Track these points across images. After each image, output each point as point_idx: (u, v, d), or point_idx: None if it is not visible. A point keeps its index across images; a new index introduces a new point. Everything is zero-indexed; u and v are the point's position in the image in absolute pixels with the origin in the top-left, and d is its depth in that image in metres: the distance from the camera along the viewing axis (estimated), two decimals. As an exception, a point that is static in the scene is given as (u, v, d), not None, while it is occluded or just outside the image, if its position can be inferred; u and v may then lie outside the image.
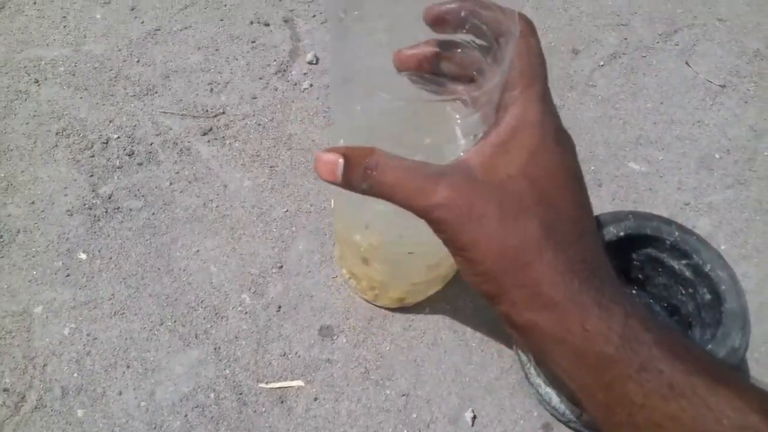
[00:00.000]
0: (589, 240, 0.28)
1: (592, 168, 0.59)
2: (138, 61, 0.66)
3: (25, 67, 0.65)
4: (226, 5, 0.71)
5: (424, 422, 0.46)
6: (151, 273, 0.52)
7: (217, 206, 0.56)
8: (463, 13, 0.31)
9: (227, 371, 0.48)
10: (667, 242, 0.45)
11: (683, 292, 0.46)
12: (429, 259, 0.45)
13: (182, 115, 0.62)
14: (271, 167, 0.58)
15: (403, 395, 0.47)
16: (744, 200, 0.57)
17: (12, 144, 0.59)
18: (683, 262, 0.45)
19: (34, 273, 0.52)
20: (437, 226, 0.28)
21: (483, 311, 0.51)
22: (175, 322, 0.50)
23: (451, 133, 0.35)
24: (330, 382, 0.47)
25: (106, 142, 0.59)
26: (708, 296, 0.44)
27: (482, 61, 0.32)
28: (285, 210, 0.56)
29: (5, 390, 0.46)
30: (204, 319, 0.50)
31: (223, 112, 0.62)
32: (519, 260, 0.26)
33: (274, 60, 0.66)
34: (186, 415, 0.46)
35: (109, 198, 0.56)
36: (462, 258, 0.28)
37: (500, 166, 0.28)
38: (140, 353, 0.48)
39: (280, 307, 0.51)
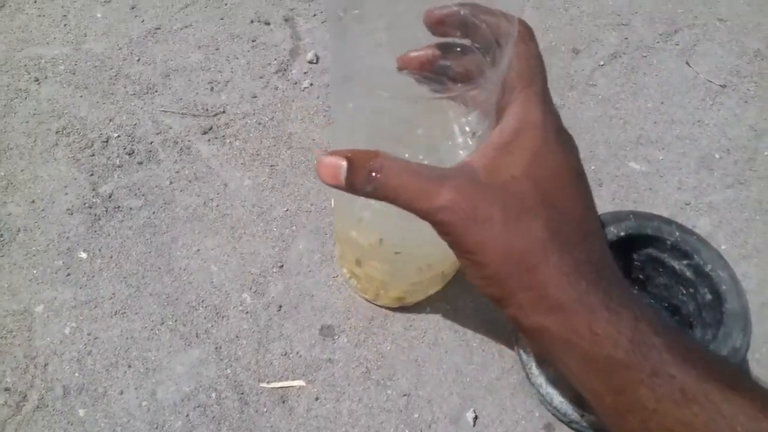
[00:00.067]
0: (595, 240, 0.28)
1: (593, 167, 0.59)
2: (138, 60, 0.65)
3: (25, 65, 0.65)
4: (226, 4, 0.71)
5: (425, 422, 0.46)
6: (152, 272, 0.52)
7: (218, 205, 0.56)
8: (462, 12, 0.32)
9: (228, 371, 0.48)
10: (668, 242, 0.45)
11: (684, 292, 0.46)
12: (419, 260, 0.45)
13: (182, 113, 0.62)
14: (271, 166, 0.58)
15: (405, 395, 0.47)
16: (744, 200, 0.57)
17: (12, 143, 0.59)
18: (684, 262, 0.45)
19: (35, 272, 0.52)
20: (441, 228, 0.28)
21: (484, 311, 0.51)
22: (175, 321, 0.50)
23: (450, 131, 0.35)
24: (331, 381, 0.47)
25: (107, 141, 0.59)
26: (709, 296, 0.44)
27: (481, 60, 0.32)
28: (285, 209, 0.56)
29: (6, 389, 0.46)
30: (205, 318, 0.50)
31: (224, 111, 0.62)
32: (524, 263, 0.26)
33: (275, 59, 0.66)
34: (187, 415, 0.46)
35: (110, 197, 0.56)
36: (467, 261, 0.28)
37: (503, 167, 0.27)
38: (141, 353, 0.48)
39: (280, 306, 0.51)
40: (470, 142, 0.36)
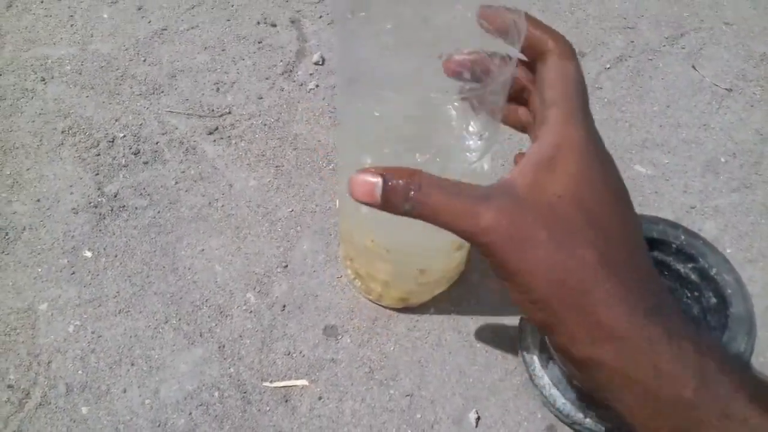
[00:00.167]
0: (641, 255, 0.27)
1: (598, 170, 0.59)
2: (144, 61, 0.66)
3: (31, 65, 0.65)
4: (233, 5, 0.71)
5: (428, 423, 0.46)
6: (156, 271, 0.52)
7: (223, 205, 0.56)
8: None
9: (232, 370, 0.48)
10: (673, 246, 0.45)
11: (689, 295, 0.46)
12: (413, 263, 0.46)
13: (188, 114, 0.62)
14: (276, 167, 0.59)
15: (408, 395, 0.47)
16: (750, 204, 0.57)
17: (18, 142, 0.59)
18: (689, 265, 0.45)
19: (40, 270, 0.52)
20: (485, 249, 0.26)
21: (488, 313, 0.51)
22: (179, 320, 0.50)
23: (458, 132, 0.35)
24: (334, 381, 0.47)
25: (112, 141, 0.60)
26: (714, 300, 0.44)
27: (489, 61, 0.32)
28: (290, 210, 0.56)
29: (10, 387, 0.46)
30: (209, 317, 0.50)
31: (229, 112, 0.62)
32: (575, 287, 0.25)
33: (281, 60, 0.66)
34: (190, 413, 0.46)
35: (115, 196, 0.56)
36: (513, 284, 0.26)
37: (546, 186, 0.26)
38: (145, 351, 0.48)
39: (284, 306, 0.51)
40: (478, 143, 0.36)
